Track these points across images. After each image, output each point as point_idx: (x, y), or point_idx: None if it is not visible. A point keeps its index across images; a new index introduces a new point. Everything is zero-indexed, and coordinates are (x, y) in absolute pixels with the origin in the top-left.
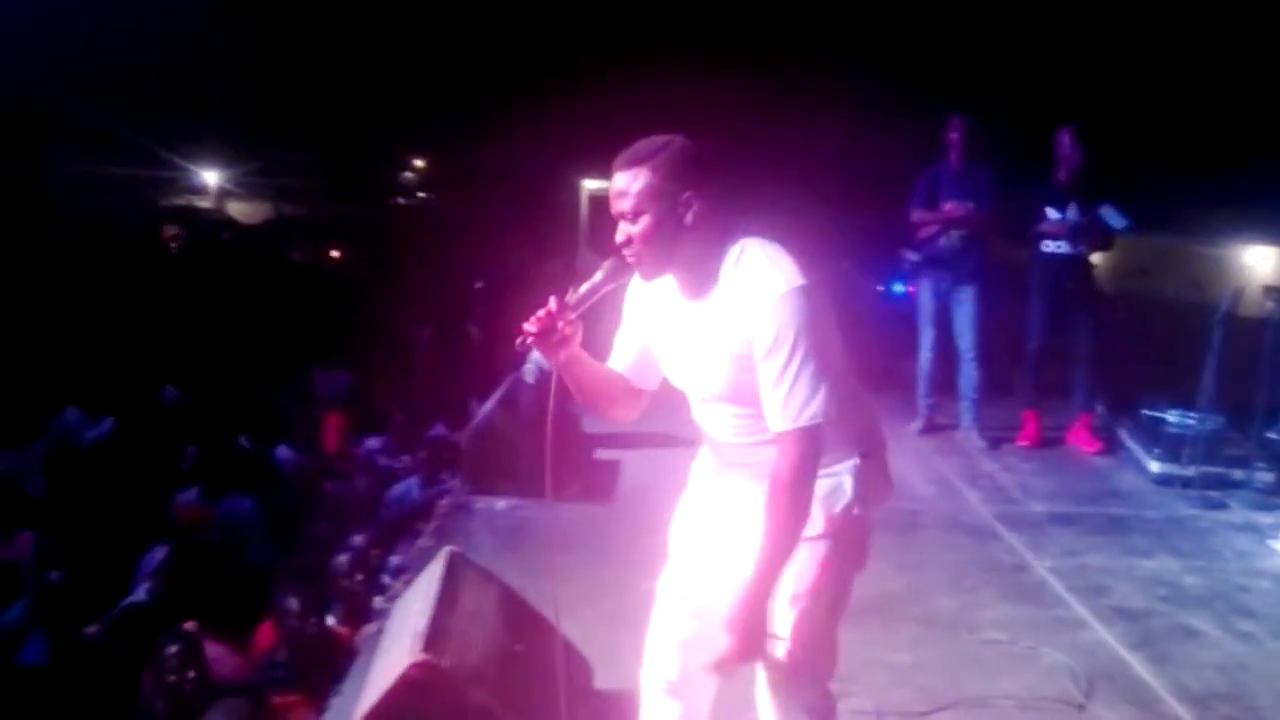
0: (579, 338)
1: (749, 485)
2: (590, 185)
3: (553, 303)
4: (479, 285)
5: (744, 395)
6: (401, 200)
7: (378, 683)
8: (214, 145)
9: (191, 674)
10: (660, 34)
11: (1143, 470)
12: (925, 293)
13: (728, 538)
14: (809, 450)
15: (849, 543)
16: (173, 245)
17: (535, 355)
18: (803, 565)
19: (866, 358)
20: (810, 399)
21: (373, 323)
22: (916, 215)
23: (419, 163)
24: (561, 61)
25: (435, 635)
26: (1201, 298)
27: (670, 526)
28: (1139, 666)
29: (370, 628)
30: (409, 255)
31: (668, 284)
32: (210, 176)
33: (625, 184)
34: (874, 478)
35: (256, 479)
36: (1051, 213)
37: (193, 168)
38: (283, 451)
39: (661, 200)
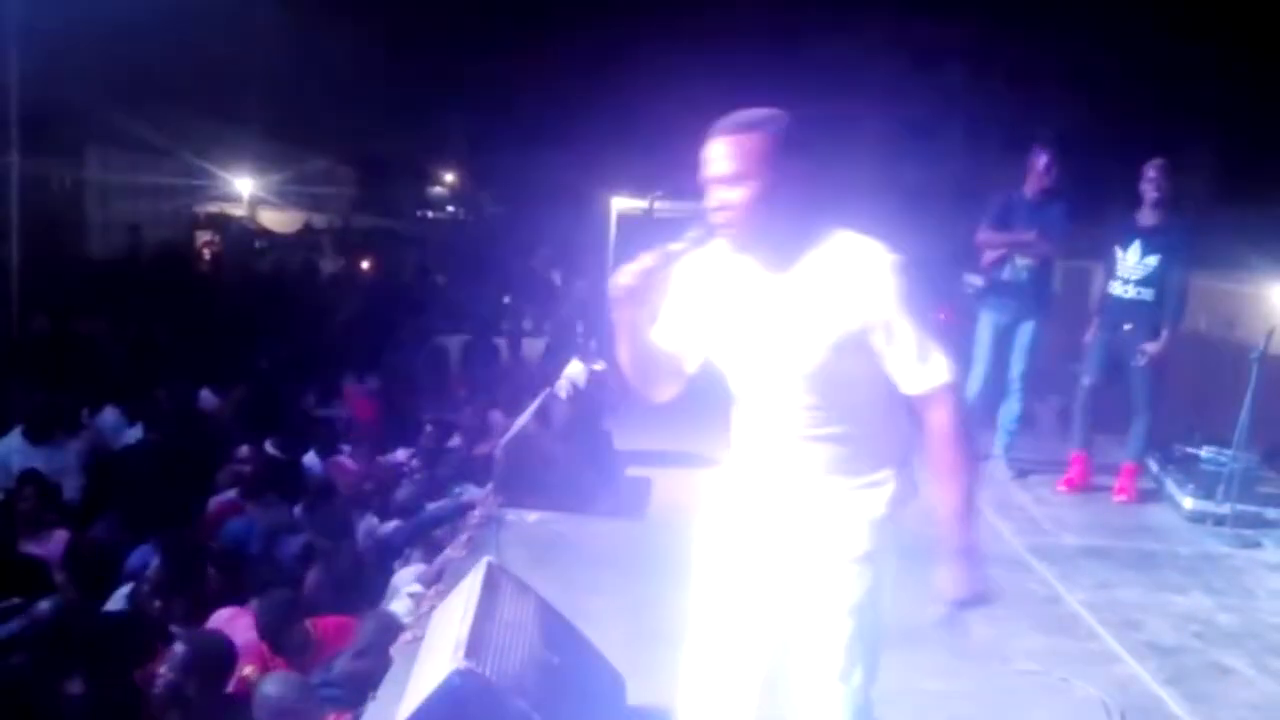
0: (659, 301)
1: (808, 482)
2: (620, 204)
3: (648, 258)
4: (507, 300)
5: (828, 380)
6: (431, 214)
7: (418, 689)
8: (247, 153)
9: (196, 681)
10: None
11: (1176, 506)
12: (985, 326)
13: (779, 552)
14: (960, 400)
15: (890, 551)
16: (206, 252)
17: (569, 371)
18: (856, 580)
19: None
20: (944, 353)
21: (402, 334)
22: (985, 236)
23: (449, 177)
24: (594, 79)
25: (476, 643)
26: (1232, 335)
27: (699, 545)
28: (1172, 703)
29: (406, 636)
30: (438, 268)
31: (742, 263)
32: (243, 185)
33: (731, 149)
34: (907, 484)
35: (285, 485)
36: (1118, 252)
37: (226, 175)
38: (311, 459)
39: (769, 169)
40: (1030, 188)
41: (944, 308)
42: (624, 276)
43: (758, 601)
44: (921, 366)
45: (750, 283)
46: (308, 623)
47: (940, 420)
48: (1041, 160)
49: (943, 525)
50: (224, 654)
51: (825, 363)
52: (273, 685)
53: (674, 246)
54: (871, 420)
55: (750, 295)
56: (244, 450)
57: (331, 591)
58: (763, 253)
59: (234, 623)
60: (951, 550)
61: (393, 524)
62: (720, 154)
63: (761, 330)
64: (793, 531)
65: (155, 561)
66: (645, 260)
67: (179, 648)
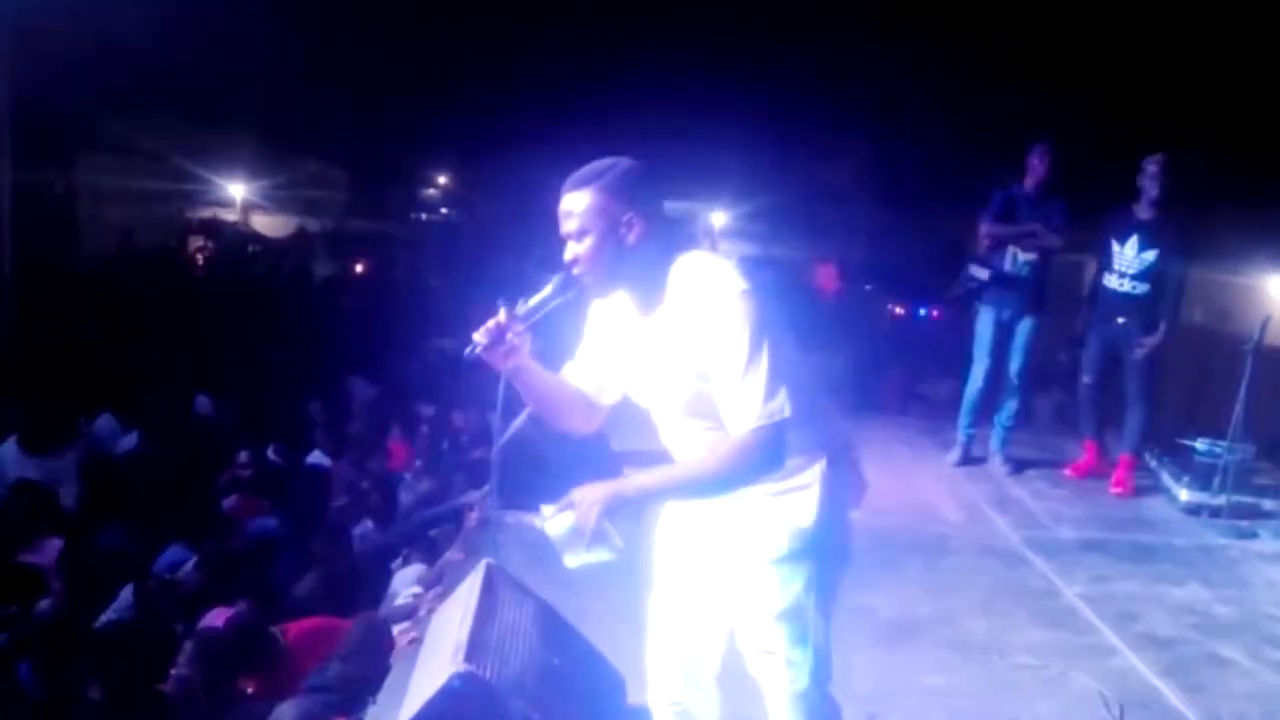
0: (527, 348)
1: (723, 500)
2: None
3: (502, 314)
4: (500, 301)
5: (706, 408)
6: (425, 216)
7: (419, 693)
8: (239, 158)
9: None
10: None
11: (1172, 498)
12: (985, 321)
13: (708, 555)
14: (767, 449)
15: (825, 550)
16: (199, 257)
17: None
18: (780, 584)
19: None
20: (769, 397)
21: (397, 336)
22: (989, 229)
23: (442, 179)
24: (589, 80)
25: (476, 646)
26: (1227, 327)
27: (654, 547)
28: (1171, 694)
29: (404, 639)
30: (432, 270)
31: (626, 302)
32: (236, 189)
33: (570, 205)
34: (844, 481)
35: (284, 491)
36: (1114, 245)
37: (218, 180)
38: (316, 457)
39: (603, 220)
40: (1030, 183)
41: (936, 307)
42: (479, 334)
43: (696, 606)
44: (737, 409)
45: (629, 320)
46: (277, 630)
47: (732, 451)
48: (1040, 158)
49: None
50: (235, 652)
51: (697, 394)
52: (289, 711)
53: (527, 303)
54: None
55: (630, 332)
56: (243, 456)
57: (325, 594)
58: (626, 293)
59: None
60: (608, 484)
61: (388, 528)
62: (564, 209)
63: (640, 365)
64: (719, 540)
65: (190, 563)
66: (498, 316)
67: (189, 645)
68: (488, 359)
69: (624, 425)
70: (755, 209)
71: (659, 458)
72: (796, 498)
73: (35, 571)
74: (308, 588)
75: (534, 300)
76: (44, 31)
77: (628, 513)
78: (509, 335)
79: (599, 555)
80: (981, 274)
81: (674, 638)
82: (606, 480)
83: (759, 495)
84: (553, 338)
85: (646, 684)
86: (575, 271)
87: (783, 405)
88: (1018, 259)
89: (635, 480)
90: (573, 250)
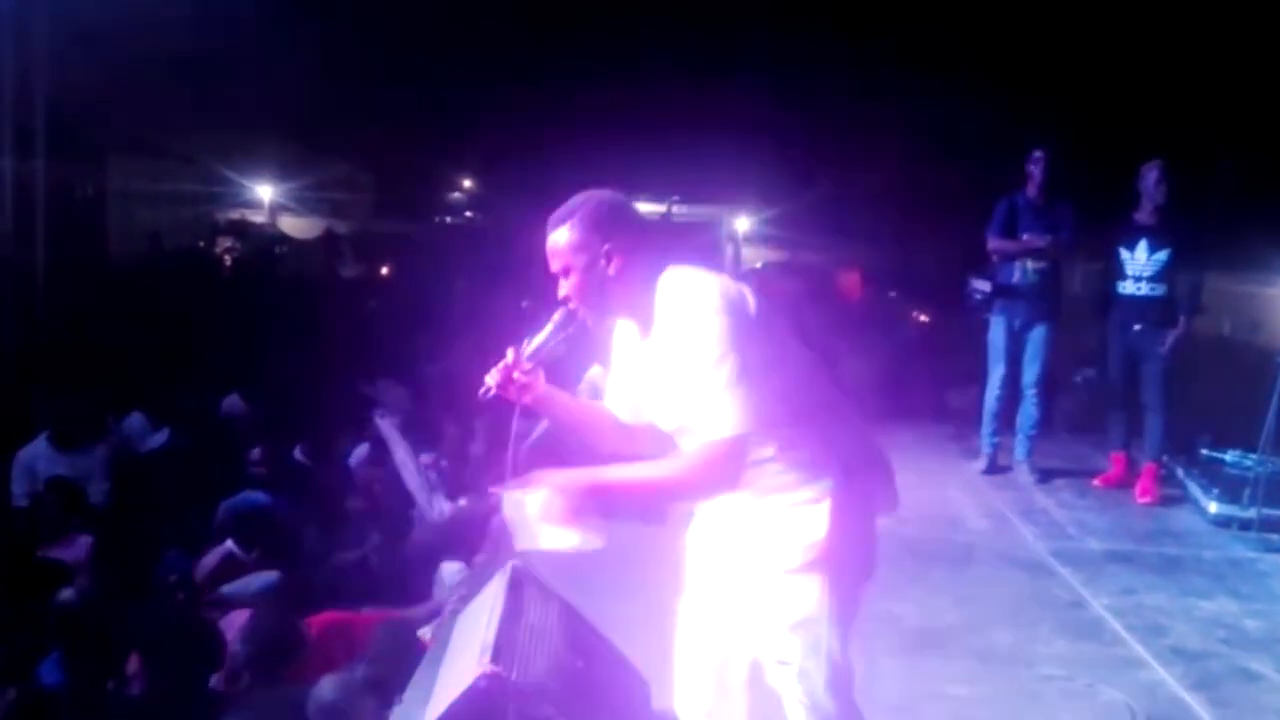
0: (540, 383)
1: (744, 504)
2: (640, 209)
3: (509, 355)
4: (525, 304)
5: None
6: (450, 219)
7: (444, 694)
8: (268, 160)
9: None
10: (718, 60)
11: (1200, 510)
12: (998, 328)
13: (731, 564)
14: (722, 462)
15: (842, 561)
16: (227, 258)
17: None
18: (795, 595)
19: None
20: (728, 411)
21: (423, 338)
22: (994, 244)
23: (467, 182)
24: (613, 83)
25: (502, 648)
26: (1257, 338)
27: (685, 553)
28: (1199, 709)
29: (427, 639)
30: (457, 273)
31: (629, 328)
32: (264, 191)
33: (553, 243)
34: (871, 491)
35: (308, 493)
36: (1124, 252)
37: (246, 182)
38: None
39: (583, 254)
40: (1032, 190)
41: (924, 309)
42: (490, 376)
43: (723, 614)
44: (700, 419)
45: (630, 346)
46: (303, 623)
47: (686, 461)
48: (1036, 164)
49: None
50: (286, 639)
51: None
52: (329, 688)
53: (531, 342)
54: (776, 442)
55: (632, 358)
56: (256, 453)
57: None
58: (622, 321)
59: (229, 620)
60: (572, 475)
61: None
62: (549, 249)
63: (643, 389)
64: (739, 549)
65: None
66: (506, 358)
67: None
68: (504, 398)
69: None
70: (780, 214)
71: None
72: (810, 510)
73: (65, 568)
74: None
75: (537, 339)
76: (76, 36)
77: (597, 505)
78: (515, 375)
79: (562, 541)
80: (984, 287)
81: (703, 645)
82: (571, 469)
83: (778, 506)
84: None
85: (673, 689)
86: (570, 307)
87: (741, 420)
88: (1028, 268)
89: (596, 472)
90: (563, 287)
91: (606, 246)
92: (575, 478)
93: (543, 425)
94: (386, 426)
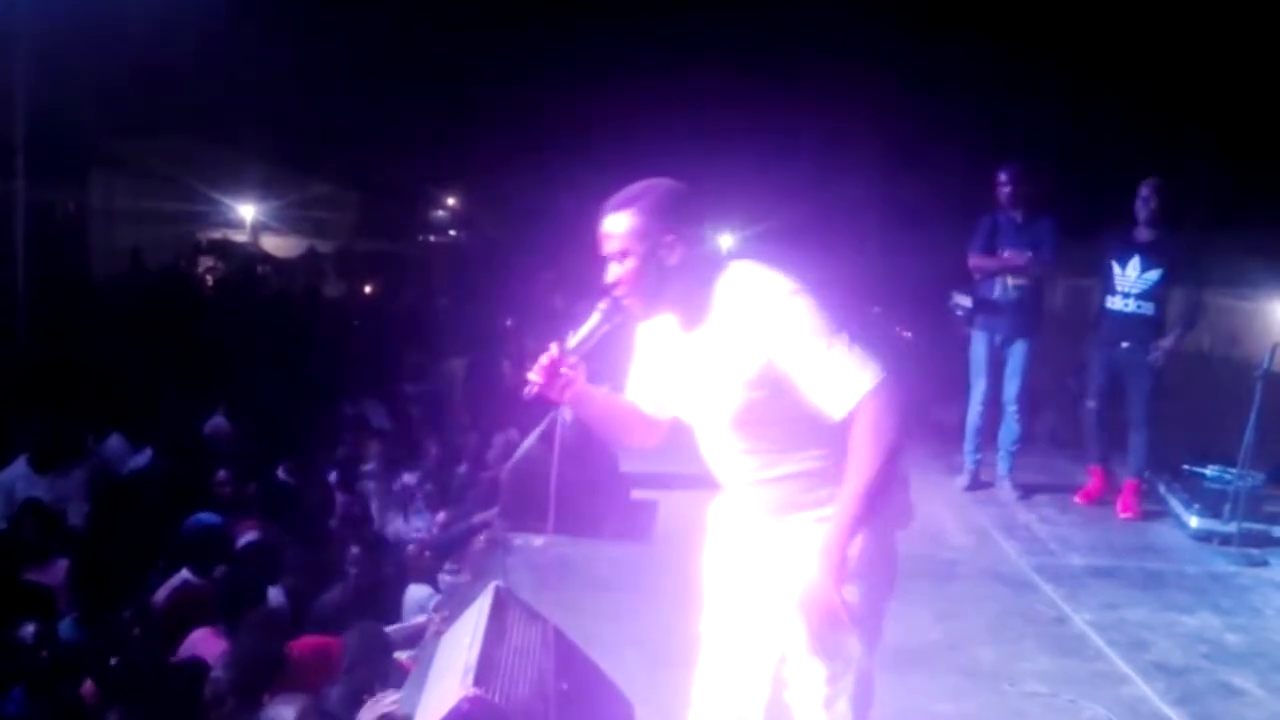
0: (583, 378)
1: (768, 520)
2: None
3: (554, 349)
4: (509, 322)
5: (756, 420)
6: (434, 237)
7: (427, 716)
8: (250, 179)
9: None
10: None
11: (1181, 525)
12: (979, 344)
13: (754, 579)
14: (884, 406)
15: (873, 574)
16: (208, 278)
17: None
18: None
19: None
20: (861, 365)
21: (406, 356)
22: (975, 261)
23: (451, 200)
24: (596, 100)
25: (485, 670)
26: (1235, 352)
27: (702, 570)
28: None
29: (410, 660)
30: (441, 291)
31: (669, 321)
32: (245, 210)
33: (612, 227)
34: (892, 504)
35: (289, 513)
36: (1115, 267)
37: (228, 201)
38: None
39: (645, 241)
40: (1009, 206)
41: (907, 325)
42: (533, 374)
43: (748, 629)
44: (837, 388)
45: (674, 339)
46: (285, 646)
47: (863, 418)
48: (1007, 177)
49: (838, 502)
50: (267, 663)
51: (748, 408)
52: (287, 709)
53: (576, 335)
54: (821, 454)
55: (676, 351)
56: (222, 474)
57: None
58: (670, 312)
59: (205, 643)
60: (825, 546)
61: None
62: (605, 232)
63: (689, 384)
64: (767, 565)
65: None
66: (550, 352)
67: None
68: (546, 395)
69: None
70: (763, 231)
71: (666, 479)
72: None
73: (44, 591)
74: (335, 598)
75: (582, 332)
76: (58, 52)
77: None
78: (563, 369)
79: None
80: (965, 301)
81: (725, 663)
82: (819, 567)
83: (804, 521)
84: (607, 359)
85: (692, 708)
86: (617, 293)
87: (875, 366)
88: (1008, 283)
89: (840, 524)
90: (615, 272)
91: (670, 236)
92: (835, 544)
93: (526, 444)
94: None
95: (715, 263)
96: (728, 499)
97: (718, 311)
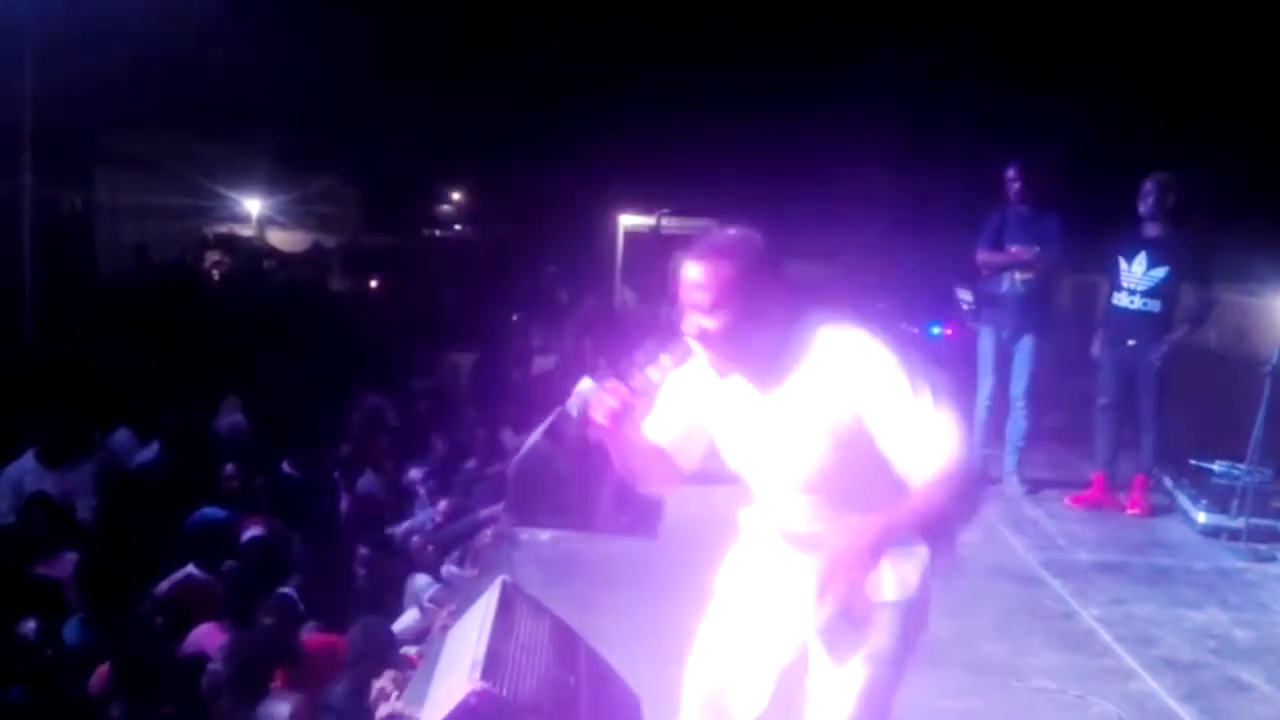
0: (637, 418)
1: (810, 559)
2: (627, 221)
3: (622, 390)
4: (515, 317)
5: (835, 477)
6: (439, 232)
7: (435, 710)
8: (255, 174)
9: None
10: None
11: (1189, 521)
12: (986, 340)
13: (779, 604)
14: (967, 474)
15: (918, 607)
16: (214, 272)
17: (580, 389)
18: (879, 626)
19: None
20: (947, 434)
21: (412, 351)
22: (983, 256)
23: (456, 195)
24: (600, 97)
25: (492, 664)
26: (1242, 347)
27: (719, 573)
28: (1190, 719)
29: (417, 655)
30: (446, 286)
31: (732, 376)
32: (251, 205)
33: (704, 277)
34: (940, 556)
35: (295, 508)
36: (1122, 262)
37: (234, 196)
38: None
39: (740, 297)
40: (1016, 202)
41: (949, 323)
42: (601, 412)
43: (763, 641)
44: (918, 456)
45: (741, 398)
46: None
47: (936, 481)
48: (1014, 174)
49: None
50: (266, 658)
51: (824, 466)
52: (282, 704)
53: (651, 374)
54: (889, 503)
55: (743, 410)
56: (230, 469)
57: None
58: (746, 369)
59: (209, 639)
60: (864, 527)
61: (414, 539)
62: (694, 281)
63: (759, 442)
64: (800, 597)
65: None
66: (619, 391)
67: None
68: (611, 430)
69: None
70: (772, 225)
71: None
72: (909, 555)
73: (52, 584)
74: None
75: (655, 375)
76: (63, 49)
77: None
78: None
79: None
80: (967, 296)
81: (727, 670)
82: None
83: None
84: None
85: (683, 710)
86: (698, 345)
87: (959, 437)
88: (1015, 278)
89: (888, 517)
90: (699, 324)
91: (764, 291)
92: (877, 532)
93: (532, 439)
94: None
95: (798, 321)
96: (765, 514)
97: (798, 368)
